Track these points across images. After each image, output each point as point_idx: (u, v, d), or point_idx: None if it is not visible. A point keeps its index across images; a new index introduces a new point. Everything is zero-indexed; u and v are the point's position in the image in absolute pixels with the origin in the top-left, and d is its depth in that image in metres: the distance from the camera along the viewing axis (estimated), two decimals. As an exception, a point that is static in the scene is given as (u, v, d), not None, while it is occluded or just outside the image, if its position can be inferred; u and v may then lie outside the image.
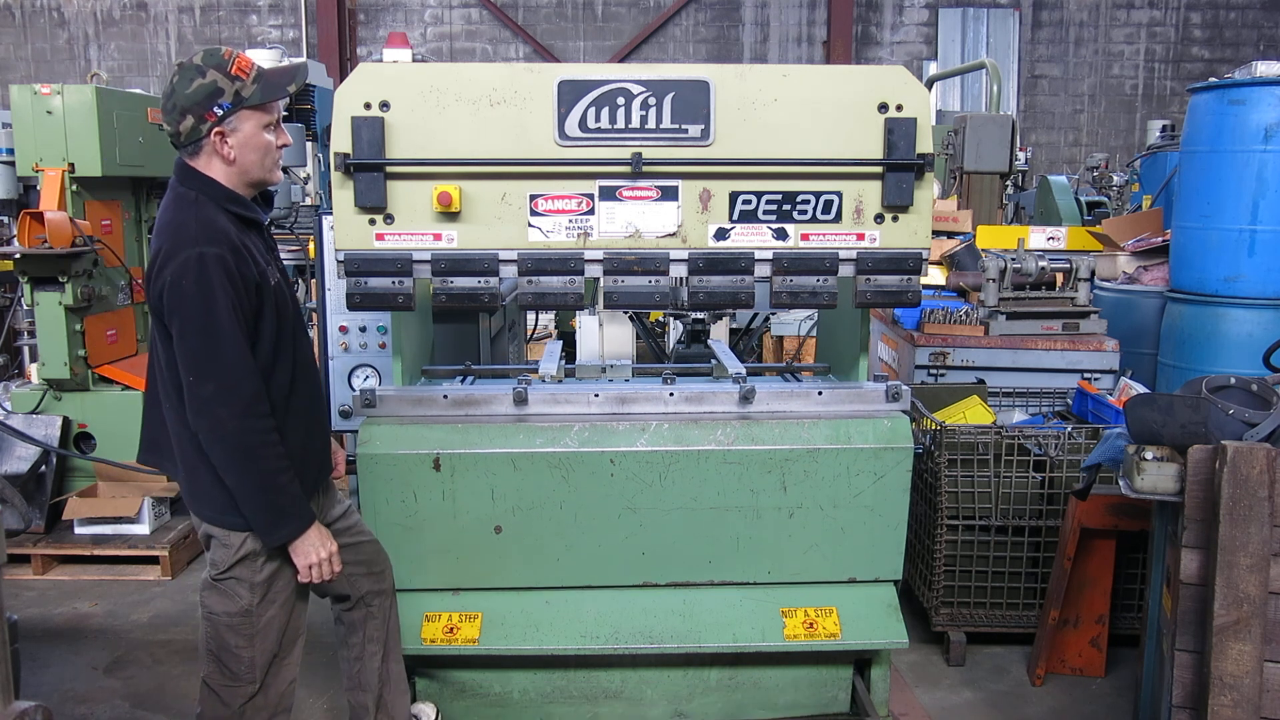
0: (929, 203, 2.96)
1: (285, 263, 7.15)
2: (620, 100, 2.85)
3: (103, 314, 4.99)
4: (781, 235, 2.95)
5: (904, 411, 3.13)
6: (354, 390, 3.79)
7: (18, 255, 4.66)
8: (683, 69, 2.89)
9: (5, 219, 6.74)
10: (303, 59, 2.81)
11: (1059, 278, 5.07)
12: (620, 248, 2.94)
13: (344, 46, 15.06)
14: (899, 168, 2.89)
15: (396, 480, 2.99)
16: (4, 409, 5.02)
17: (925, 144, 2.89)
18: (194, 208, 2.44)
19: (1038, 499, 3.87)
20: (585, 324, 4.77)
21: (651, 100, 2.85)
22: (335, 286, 3.81)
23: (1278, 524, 2.41)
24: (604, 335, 4.72)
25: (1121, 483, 2.72)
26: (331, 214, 2.97)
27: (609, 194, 2.91)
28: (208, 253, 2.36)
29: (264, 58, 6.41)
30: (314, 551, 2.55)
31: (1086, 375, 4.75)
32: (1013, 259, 5.00)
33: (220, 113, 2.44)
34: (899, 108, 2.89)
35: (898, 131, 2.87)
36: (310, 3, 15.20)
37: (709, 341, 4.82)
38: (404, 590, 3.13)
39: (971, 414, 4.17)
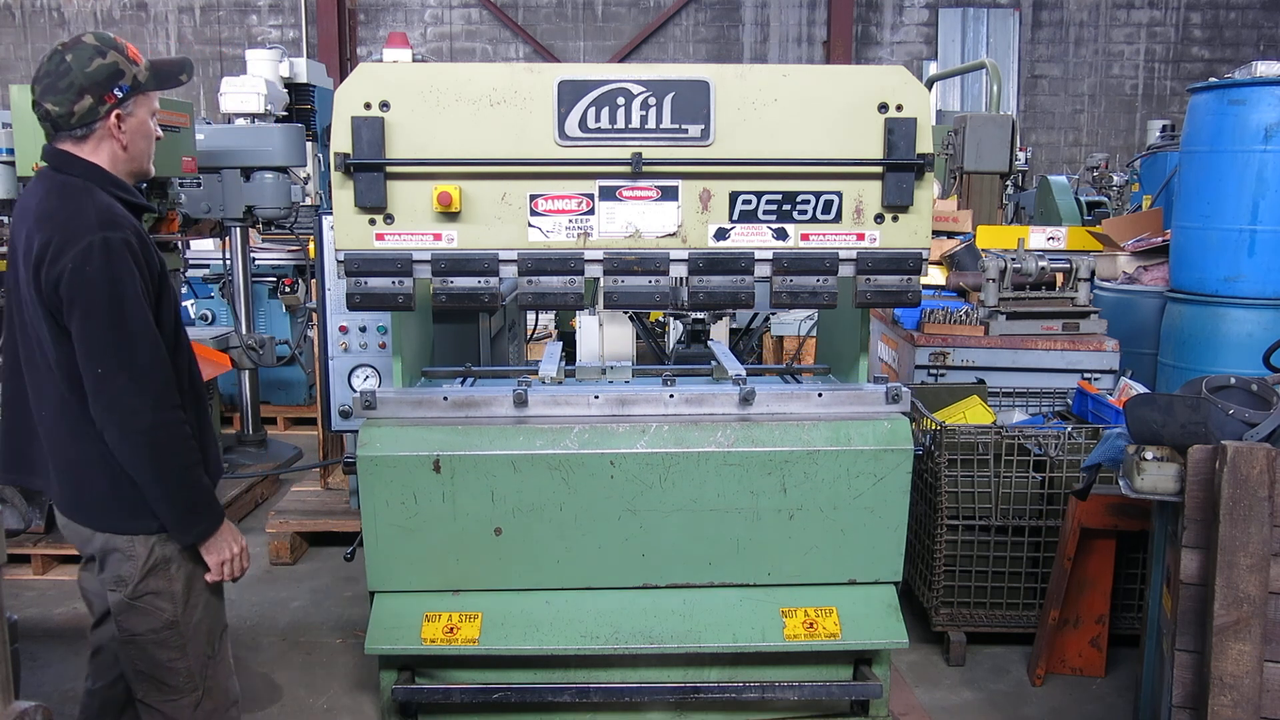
0: (929, 203, 2.96)
1: (285, 263, 7.18)
2: (620, 100, 2.85)
3: (103, 314, 4.98)
4: (781, 235, 2.95)
5: (904, 413, 3.13)
6: (354, 390, 3.79)
7: (18, 255, 4.66)
8: (683, 69, 2.89)
9: (5, 219, 6.74)
10: (186, 56, 2.76)
11: (1059, 278, 5.07)
12: (620, 248, 2.94)
13: (344, 46, 15.05)
14: (899, 168, 2.89)
15: (396, 482, 2.99)
16: (4, 409, 5.01)
17: (925, 144, 2.89)
18: (86, 194, 2.31)
19: (1038, 499, 3.87)
20: (585, 324, 4.76)
21: (651, 100, 2.85)
22: (335, 286, 3.81)
23: (1278, 524, 2.40)
24: (604, 335, 4.71)
25: (1121, 483, 2.72)
26: (331, 214, 2.97)
27: (609, 194, 2.91)
28: (112, 237, 2.24)
29: (264, 58, 6.41)
30: (227, 548, 2.46)
31: (1086, 375, 4.75)
32: (1013, 259, 5.00)
33: (120, 95, 2.36)
34: (899, 108, 2.89)
35: (898, 131, 2.87)
36: (310, 3, 15.19)
37: (709, 342, 4.81)
38: (403, 592, 3.13)
39: (971, 414, 4.17)
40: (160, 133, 2.55)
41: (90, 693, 2.70)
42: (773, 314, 6.80)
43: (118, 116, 2.37)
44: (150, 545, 2.41)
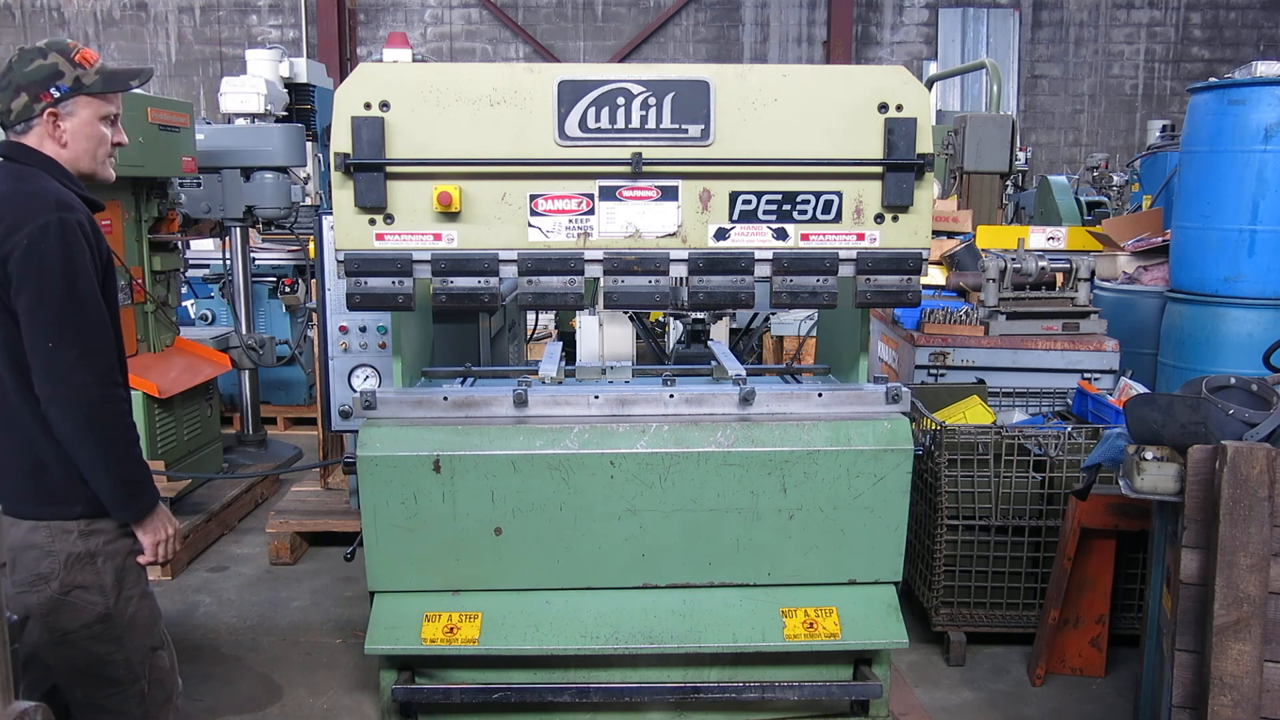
0: (929, 203, 2.96)
1: (285, 263, 7.17)
2: (620, 100, 2.85)
3: (103, 314, 4.97)
4: (781, 235, 2.95)
5: (904, 413, 3.13)
6: (354, 390, 3.79)
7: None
8: (683, 69, 2.89)
9: None
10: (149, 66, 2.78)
11: (1059, 278, 5.08)
12: (620, 248, 2.94)
13: (344, 46, 15.05)
14: (899, 168, 2.89)
15: (397, 482, 2.99)
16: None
17: (925, 144, 2.89)
18: (39, 179, 2.37)
19: (1038, 499, 3.87)
20: (585, 324, 4.76)
21: (651, 100, 2.85)
22: (335, 286, 3.81)
23: (1278, 524, 2.40)
24: (604, 335, 4.71)
25: (1121, 483, 2.72)
26: (331, 214, 2.97)
27: (609, 194, 2.91)
28: (67, 218, 2.30)
29: (264, 58, 6.41)
30: (163, 528, 2.48)
31: (1086, 375, 4.75)
32: (1013, 259, 5.00)
33: (56, 94, 2.41)
34: (899, 108, 2.89)
35: (898, 131, 2.87)
36: (310, 3, 15.19)
37: (709, 342, 4.81)
38: (403, 592, 3.13)
39: (971, 414, 4.17)
40: (122, 138, 2.58)
41: None
42: (773, 314, 6.80)
43: (52, 115, 2.42)
44: (71, 540, 2.41)
